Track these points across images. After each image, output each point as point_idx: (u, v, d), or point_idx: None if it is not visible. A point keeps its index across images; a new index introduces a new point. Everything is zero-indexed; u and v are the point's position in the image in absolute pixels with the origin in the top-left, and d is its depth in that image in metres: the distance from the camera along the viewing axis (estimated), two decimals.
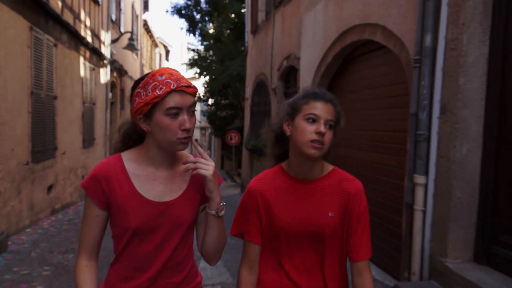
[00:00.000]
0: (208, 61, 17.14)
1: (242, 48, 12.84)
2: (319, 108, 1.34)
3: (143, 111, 1.27)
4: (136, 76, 18.09)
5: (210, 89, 16.65)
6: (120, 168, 1.33)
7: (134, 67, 17.79)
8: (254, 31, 10.76)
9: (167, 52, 35.26)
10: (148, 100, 1.24)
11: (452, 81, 3.03)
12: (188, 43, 19.09)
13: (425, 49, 3.21)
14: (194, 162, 1.30)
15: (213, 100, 17.60)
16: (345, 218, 1.41)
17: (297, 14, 6.91)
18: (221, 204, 1.35)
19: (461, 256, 3.07)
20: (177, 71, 1.30)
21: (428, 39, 3.18)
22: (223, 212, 1.36)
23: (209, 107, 18.36)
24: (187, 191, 1.38)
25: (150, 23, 23.17)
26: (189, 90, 1.27)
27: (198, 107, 29.30)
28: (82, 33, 9.01)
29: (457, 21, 2.99)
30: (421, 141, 3.27)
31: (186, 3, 15.08)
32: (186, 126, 1.25)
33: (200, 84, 21.86)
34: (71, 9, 8.23)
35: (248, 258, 1.48)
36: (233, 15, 14.05)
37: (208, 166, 1.30)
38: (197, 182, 1.41)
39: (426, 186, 3.26)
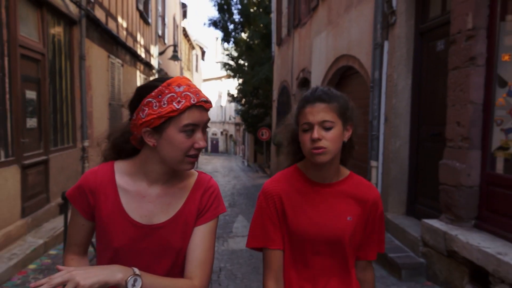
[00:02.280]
0: (240, 63, 19.14)
1: (270, 55, 14.69)
2: (309, 114, 1.25)
3: (152, 124, 1.10)
4: None
5: (243, 90, 18.67)
6: (109, 179, 1.20)
7: (175, 71, 20.01)
8: (279, 43, 12.61)
9: (203, 53, 37.53)
10: (163, 113, 1.08)
11: (389, 101, 4.81)
12: (223, 48, 21.08)
13: (375, 80, 5.00)
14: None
15: (245, 100, 19.57)
16: (362, 224, 1.36)
17: (309, 37, 8.72)
18: (129, 279, 1.01)
19: (397, 211, 4.85)
20: (193, 83, 1.16)
21: (376, 74, 4.96)
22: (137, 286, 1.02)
23: (242, 106, 20.36)
24: (180, 213, 1.21)
25: (187, 29, 25.42)
26: (207, 105, 1.13)
27: (233, 105, 31.27)
28: (138, 51, 11.16)
29: (391, 64, 4.76)
30: (374, 139, 5.06)
31: (220, 16, 17.11)
32: (200, 145, 1.12)
33: (232, 84, 23.84)
34: (131, 35, 10.38)
35: (272, 268, 1.35)
36: (262, 25, 15.92)
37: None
38: (195, 202, 1.23)
39: (377, 168, 5.05)
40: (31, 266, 4.20)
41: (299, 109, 1.30)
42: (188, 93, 1.10)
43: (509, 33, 3.37)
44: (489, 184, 3.46)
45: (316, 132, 1.23)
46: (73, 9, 6.18)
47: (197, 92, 1.12)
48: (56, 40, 5.84)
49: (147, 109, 1.10)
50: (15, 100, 4.55)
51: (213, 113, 45.27)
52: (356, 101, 5.61)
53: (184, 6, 22.76)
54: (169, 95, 1.09)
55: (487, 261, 2.98)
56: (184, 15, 24.05)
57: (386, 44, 4.87)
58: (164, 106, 1.09)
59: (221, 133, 44.67)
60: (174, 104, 1.08)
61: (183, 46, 24.09)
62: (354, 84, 6.46)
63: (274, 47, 13.52)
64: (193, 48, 30.69)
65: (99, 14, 7.47)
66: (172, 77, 1.14)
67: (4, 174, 4.28)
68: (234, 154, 39.35)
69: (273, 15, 13.53)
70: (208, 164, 23.49)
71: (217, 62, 36.37)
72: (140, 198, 1.20)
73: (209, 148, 42.44)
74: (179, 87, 1.10)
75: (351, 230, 1.33)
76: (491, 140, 3.48)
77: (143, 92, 1.12)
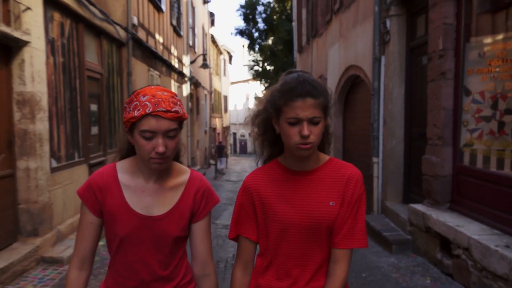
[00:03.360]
0: (265, 68, 20.19)
1: (293, 61, 15.65)
2: (298, 108, 1.21)
3: (126, 126, 1.28)
4: (206, 85, 21.62)
5: None
6: (113, 178, 1.36)
7: (205, 77, 21.25)
8: (300, 50, 13.57)
9: (230, 57, 38.77)
10: (127, 118, 1.25)
11: (386, 107, 5.72)
12: (249, 54, 22.22)
13: (375, 88, 5.91)
14: None
15: None
16: (342, 205, 1.32)
17: (325, 46, 9.65)
18: None
19: (395, 200, 5.75)
20: (163, 93, 1.25)
21: (376, 83, 5.88)
22: None
23: None
24: (176, 207, 1.37)
25: (215, 35, 26.63)
26: (167, 115, 1.22)
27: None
28: (172, 62, 12.38)
29: (387, 75, 5.67)
30: (375, 138, 5.98)
31: (246, 25, 18.24)
32: (158, 150, 1.23)
33: (259, 87, 24.84)
34: (166, 48, 11.60)
35: (243, 257, 1.41)
36: (284, 32, 16.93)
37: None
38: (189, 198, 1.39)
39: (378, 163, 5.97)
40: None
41: (286, 100, 1.24)
42: (147, 102, 1.22)
43: (472, 52, 4.24)
44: (459, 174, 4.33)
45: (307, 129, 1.22)
46: (122, 33, 7.39)
47: (158, 102, 1.22)
48: (109, 61, 7.06)
49: (124, 112, 1.29)
50: (84, 113, 5.75)
51: (240, 115, 46.45)
52: (362, 106, 6.86)
53: (212, 15, 23.99)
54: (134, 103, 1.24)
55: (449, 232, 3.88)
56: (212, 23, 25.25)
57: (383, 58, 5.79)
58: (130, 112, 1.25)
59: (249, 134, 45.64)
60: (135, 111, 1.23)
61: (211, 52, 25.28)
62: (361, 91, 7.37)
63: (296, 53, 14.48)
64: (220, 53, 31.86)
65: (141, 34, 8.68)
66: (145, 87, 1.29)
67: (78, 171, 5.48)
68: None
69: (294, 24, 14.51)
70: (237, 164, 24.63)
71: (244, 65, 37.56)
72: (140, 193, 1.35)
73: (237, 149, 43.67)
74: (143, 96, 1.23)
75: (335, 214, 1.30)
76: (459, 138, 4.35)
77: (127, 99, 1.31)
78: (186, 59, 14.96)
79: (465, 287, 3.58)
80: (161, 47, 10.85)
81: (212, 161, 22.22)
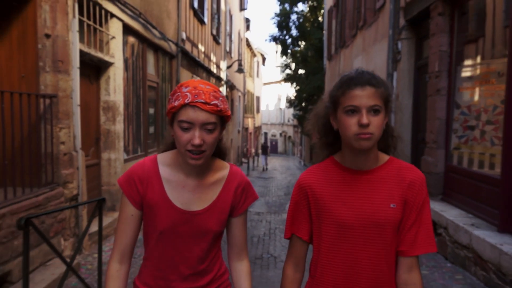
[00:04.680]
0: (297, 71, 21.29)
1: (322, 66, 16.67)
2: (357, 97, 1.17)
3: (168, 117, 1.29)
4: (240, 87, 22.91)
5: (299, 96, 20.83)
6: (154, 171, 1.35)
7: (239, 79, 22.53)
8: (329, 58, 14.58)
9: (264, 59, 39.97)
10: (169, 109, 1.26)
11: (397, 115, 6.73)
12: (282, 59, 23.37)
13: None
14: None
15: (302, 105, 21.68)
16: (405, 210, 1.26)
17: (350, 57, 10.67)
18: None
19: None
20: (205, 86, 1.25)
21: None
22: None
23: (299, 111, 22.49)
24: (216, 202, 1.37)
25: (250, 39, 27.86)
26: (206, 107, 1.21)
27: (291, 110, 33.16)
28: (211, 68, 13.69)
29: (398, 88, 6.67)
30: None
31: (279, 32, 19.41)
32: (194, 142, 1.21)
33: (291, 88, 25.90)
34: (207, 55, 12.91)
35: (294, 255, 1.40)
36: (316, 40, 17.97)
37: None
38: (229, 193, 1.39)
39: None
40: None
41: (344, 89, 1.20)
42: (188, 93, 1.21)
43: (462, 73, 5.21)
44: (449, 171, 5.32)
45: (365, 117, 1.16)
46: (173, 47, 8.71)
47: (198, 93, 1.21)
48: (163, 71, 8.39)
49: (168, 104, 1.28)
50: (144, 116, 7.08)
51: (272, 116, 47.60)
52: None
53: (247, 20, 25.27)
54: (176, 94, 1.24)
55: (435, 216, 4.88)
56: (247, 28, 26.50)
57: (395, 74, 6.79)
58: (172, 102, 1.25)
59: (280, 134, 46.80)
60: (176, 102, 1.23)
61: (245, 55, 26.50)
62: None
63: (325, 61, 15.50)
64: (254, 55, 33.06)
65: (188, 46, 10.00)
66: (189, 80, 1.29)
67: None
68: (292, 154, 41.37)
69: (325, 33, 15.53)
70: (268, 163, 25.76)
71: (277, 67, 38.68)
72: (181, 188, 1.35)
73: (268, 148, 44.68)
74: (185, 87, 1.24)
75: (396, 217, 1.25)
76: (450, 143, 5.33)
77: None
78: (223, 64, 16.26)
79: (444, 257, 4.59)
80: (202, 55, 12.16)
81: (244, 160, 23.52)
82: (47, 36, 3.96)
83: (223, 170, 1.41)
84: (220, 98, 1.26)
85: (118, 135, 5.72)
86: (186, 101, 1.20)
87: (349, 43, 11.02)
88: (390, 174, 1.29)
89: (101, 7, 5.07)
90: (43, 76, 3.97)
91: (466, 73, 5.13)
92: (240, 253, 1.47)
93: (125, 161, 6.13)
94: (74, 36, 4.29)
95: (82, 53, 4.60)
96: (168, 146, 1.44)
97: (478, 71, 4.92)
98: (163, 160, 1.38)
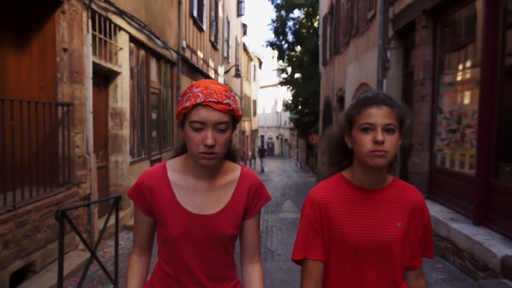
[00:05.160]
0: (293, 76, 21.77)
1: (318, 71, 17.13)
2: (373, 115, 1.22)
3: (179, 119, 1.27)
4: (237, 91, 23.34)
5: (295, 100, 21.29)
6: (163, 177, 1.34)
7: (236, 84, 22.93)
8: (324, 63, 15.03)
9: (260, 63, 40.44)
10: (179, 110, 1.24)
11: None
12: (278, 64, 23.86)
13: None
14: None
15: (297, 109, 22.14)
16: (410, 229, 1.33)
17: (344, 64, 11.11)
18: None
19: None
20: (216, 86, 1.24)
21: None
22: None
23: (295, 114, 22.95)
24: (229, 205, 1.35)
25: (246, 43, 28.29)
26: (218, 106, 1.20)
27: (287, 113, 33.66)
28: (210, 73, 14.09)
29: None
30: None
31: (276, 38, 19.89)
32: (207, 142, 1.20)
33: (288, 91, 26.38)
34: (205, 61, 13.32)
35: (312, 278, 1.32)
36: (311, 45, 18.45)
37: None
38: (242, 195, 1.37)
39: None
40: None
41: (360, 108, 1.25)
42: (199, 93, 1.20)
43: (444, 81, 5.64)
44: (433, 171, 5.74)
45: (381, 135, 1.20)
46: (174, 55, 9.11)
47: (210, 93, 1.20)
48: (165, 78, 8.79)
49: (178, 106, 1.27)
50: (148, 121, 7.48)
51: (268, 118, 48.05)
52: None
53: (244, 26, 25.73)
54: (187, 95, 1.23)
55: None
56: (244, 32, 26.96)
57: (384, 81, 7.22)
58: (182, 104, 1.23)
59: (277, 137, 47.25)
60: (187, 102, 1.21)
61: (242, 59, 26.89)
62: None
63: (321, 66, 15.95)
64: (251, 59, 33.47)
65: (187, 53, 10.41)
66: (200, 80, 1.27)
67: (144, 165, 7.19)
68: (289, 157, 41.81)
69: (320, 39, 15.99)
70: (265, 165, 26.16)
71: (273, 70, 39.11)
72: (192, 192, 1.33)
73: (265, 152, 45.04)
74: (197, 88, 1.22)
75: (402, 236, 1.30)
76: (434, 145, 5.76)
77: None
78: (221, 69, 16.67)
79: None
80: (201, 61, 12.57)
81: (241, 162, 23.90)
82: (65, 50, 4.36)
83: (234, 171, 1.39)
84: (232, 98, 1.25)
85: (124, 139, 6.11)
86: (198, 101, 1.20)
87: (343, 50, 11.46)
88: (396, 194, 1.34)
89: (110, 21, 5.48)
90: (60, 86, 4.37)
91: (448, 80, 5.56)
92: (252, 256, 1.44)
93: (131, 163, 6.52)
94: (88, 50, 4.69)
95: (94, 64, 5.00)
96: (177, 151, 1.44)
97: (458, 79, 5.35)
98: (172, 166, 1.37)
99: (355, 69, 9.64)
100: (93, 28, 5.04)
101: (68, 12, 4.34)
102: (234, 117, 1.28)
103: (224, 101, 1.21)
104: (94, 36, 5.08)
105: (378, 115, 1.21)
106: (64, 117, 4.35)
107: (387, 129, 1.22)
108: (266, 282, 4.19)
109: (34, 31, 4.29)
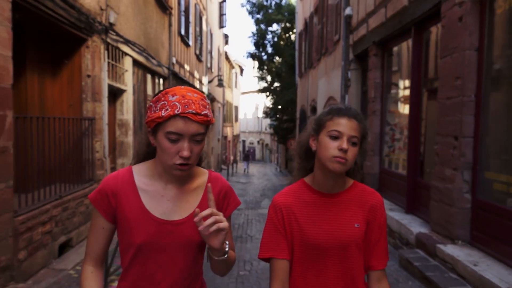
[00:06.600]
0: (272, 85, 23.18)
1: (295, 82, 18.56)
2: (343, 125, 1.31)
3: (150, 126, 1.23)
4: (220, 98, 24.55)
5: (274, 108, 22.70)
6: (129, 182, 1.29)
7: (219, 91, 24.08)
8: (300, 75, 16.45)
9: (241, 70, 41.66)
10: (153, 118, 1.19)
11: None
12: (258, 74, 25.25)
13: None
14: (213, 223, 1.14)
15: (276, 116, 23.53)
16: (367, 229, 1.42)
17: (316, 77, 12.51)
18: (226, 248, 1.24)
19: None
20: (193, 94, 1.20)
21: None
22: (227, 253, 1.25)
23: (274, 121, 24.33)
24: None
25: (228, 52, 29.46)
26: (197, 118, 1.17)
27: (268, 120, 34.98)
28: (195, 84, 15.29)
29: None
30: None
31: (256, 50, 21.31)
32: (183, 154, 1.17)
33: (263, 97, 27.74)
34: (191, 73, 14.52)
35: (278, 277, 1.39)
36: (289, 57, 19.90)
37: (222, 217, 1.16)
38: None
39: None
40: None
41: (333, 115, 1.35)
42: (176, 103, 1.15)
43: (390, 99, 7.01)
44: (382, 173, 7.10)
45: (346, 144, 1.29)
46: (166, 71, 10.31)
47: (188, 103, 1.16)
48: (156, 91, 9.93)
49: (148, 111, 1.23)
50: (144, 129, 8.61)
51: (250, 124, 49.32)
52: None
53: (226, 36, 26.98)
54: (162, 102, 1.17)
55: None
56: (226, 42, 28.17)
57: (346, 96, 8.60)
58: (156, 111, 1.18)
59: (258, 142, 48.51)
60: (162, 111, 1.16)
61: (224, 68, 28.02)
62: None
63: (297, 77, 17.37)
64: (232, 67, 34.58)
65: (176, 68, 11.60)
66: (175, 87, 1.22)
67: None
68: (269, 161, 43.11)
69: (296, 53, 17.42)
70: (248, 169, 27.40)
71: (254, 77, 40.37)
72: (159, 197, 1.29)
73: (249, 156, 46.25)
74: (172, 96, 1.17)
75: (359, 236, 1.39)
76: (383, 151, 7.13)
77: (152, 98, 1.25)
78: (205, 79, 17.88)
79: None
80: (188, 73, 13.77)
81: (223, 166, 25.11)
82: (88, 76, 5.55)
83: (202, 176, 1.37)
84: (207, 106, 1.24)
85: (129, 145, 7.28)
86: (176, 112, 1.15)
87: (315, 65, 12.86)
88: (354, 197, 1.43)
89: (119, 49, 6.67)
90: (85, 104, 5.55)
91: (392, 99, 6.95)
92: None
93: None
94: (104, 74, 5.88)
95: (108, 85, 6.19)
96: (140, 158, 1.38)
97: (400, 97, 6.74)
98: (139, 171, 1.32)
99: (325, 84, 11.03)
100: (108, 56, 6.23)
101: (91, 46, 5.53)
102: (208, 126, 1.27)
103: (203, 112, 1.19)
104: (108, 63, 6.27)
105: (347, 126, 1.32)
106: (88, 129, 5.52)
107: (352, 141, 1.32)
108: (246, 256, 5.43)
109: (65, 63, 5.47)
